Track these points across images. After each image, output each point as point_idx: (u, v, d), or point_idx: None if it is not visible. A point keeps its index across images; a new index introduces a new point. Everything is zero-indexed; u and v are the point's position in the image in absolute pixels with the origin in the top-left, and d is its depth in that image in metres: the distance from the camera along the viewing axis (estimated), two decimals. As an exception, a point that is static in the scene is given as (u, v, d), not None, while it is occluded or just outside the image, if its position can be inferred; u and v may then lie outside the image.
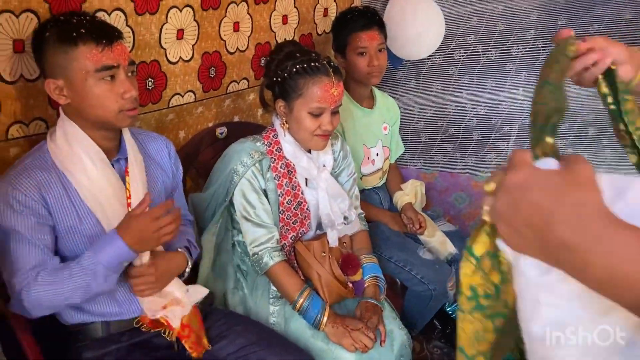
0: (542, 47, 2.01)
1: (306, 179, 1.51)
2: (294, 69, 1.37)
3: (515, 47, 2.04)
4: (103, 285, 1.09)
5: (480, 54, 2.10)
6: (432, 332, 2.06)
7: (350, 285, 1.48)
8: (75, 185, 1.12)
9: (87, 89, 1.08)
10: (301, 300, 1.38)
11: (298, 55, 1.40)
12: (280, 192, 1.46)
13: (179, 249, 1.28)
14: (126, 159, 1.21)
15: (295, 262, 1.50)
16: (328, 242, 1.50)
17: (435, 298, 1.79)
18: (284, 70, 1.39)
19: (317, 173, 1.49)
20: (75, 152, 1.12)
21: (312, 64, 1.37)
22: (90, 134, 1.14)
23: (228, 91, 1.73)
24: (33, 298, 1.05)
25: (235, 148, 1.47)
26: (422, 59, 2.16)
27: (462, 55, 2.12)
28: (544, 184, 0.47)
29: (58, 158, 1.12)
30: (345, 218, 1.54)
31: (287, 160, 1.47)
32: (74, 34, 1.05)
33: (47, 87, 1.10)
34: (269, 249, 1.42)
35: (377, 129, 2.00)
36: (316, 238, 1.52)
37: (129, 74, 1.14)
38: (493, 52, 2.08)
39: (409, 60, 2.18)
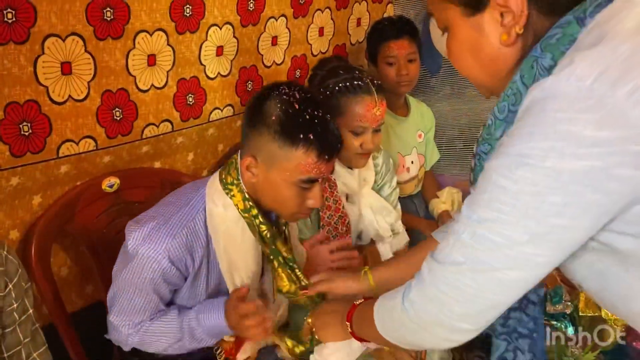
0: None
1: (347, 194, 1.51)
2: (337, 87, 1.37)
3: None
4: (199, 344, 1.11)
5: (516, 59, 2.06)
6: (472, 340, 2.03)
7: None
8: (216, 247, 1.08)
9: (280, 187, 1.04)
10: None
11: (341, 72, 1.39)
12: (321, 207, 1.45)
13: None
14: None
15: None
16: (379, 254, 1.50)
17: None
18: (326, 87, 1.38)
19: (358, 189, 1.48)
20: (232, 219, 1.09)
21: (355, 82, 1.36)
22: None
23: (210, 119, 1.59)
24: (135, 342, 1.09)
25: None
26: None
27: (497, 61, 2.09)
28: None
29: (215, 221, 1.07)
30: (393, 231, 1.53)
31: (329, 174, 1.47)
32: (301, 135, 0.99)
33: (242, 163, 1.06)
34: None
35: (411, 137, 2.00)
36: (358, 249, 1.51)
37: (324, 182, 1.16)
38: (530, 57, 2.04)
39: (445, 66, 2.17)
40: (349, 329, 0.97)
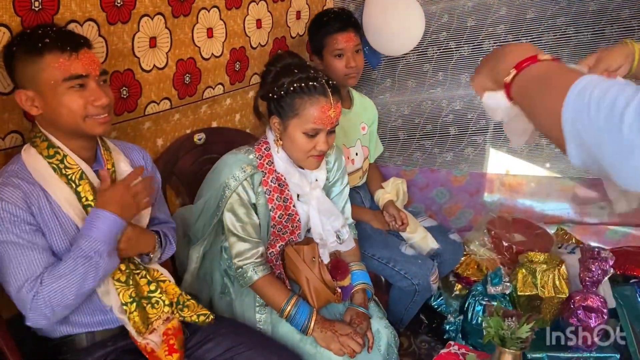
0: (512, 40, 2.05)
1: (298, 194, 1.49)
2: (291, 87, 1.32)
3: (486, 42, 2.08)
4: (109, 264, 1.11)
5: (453, 50, 2.13)
6: (419, 326, 2.08)
7: (339, 290, 1.49)
8: (55, 197, 1.12)
9: (57, 98, 1.09)
10: (288, 308, 1.38)
11: (296, 71, 1.34)
12: (272, 206, 1.44)
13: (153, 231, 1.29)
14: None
15: (283, 266, 1.51)
16: (319, 253, 1.49)
17: (419, 293, 1.82)
18: (280, 87, 1.34)
19: (309, 190, 1.46)
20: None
21: (310, 83, 1.32)
22: (65, 144, 1.14)
23: (204, 97, 1.74)
24: (44, 301, 1.05)
25: (227, 160, 1.44)
26: (396, 58, 2.19)
27: (436, 52, 2.15)
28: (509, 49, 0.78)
29: (38, 171, 1.12)
30: (338, 237, 1.52)
31: (279, 174, 1.45)
32: (39, 44, 1.06)
33: (17, 98, 1.10)
34: (253, 263, 1.41)
35: (355, 129, 2.03)
36: (307, 242, 1.52)
37: (101, 83, 1.14)
38: (465, 48, 2.11)
39: (383, 59, 2.21)
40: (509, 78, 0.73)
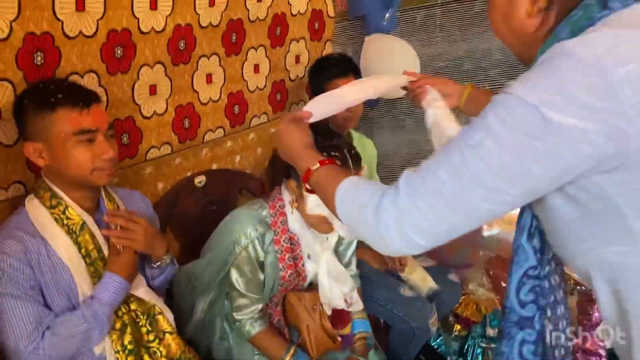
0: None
1: (309, 254, 1.49)
2: None
3: (482, 85, 2.12)
4: (106, 326, 1.14)
5: (449, 92, 2.17)
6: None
7: (339, 339, 1.48)
8: (55, 248, 1.13)
9: (65, 151, 1.11)
10: (287, 358, 1.38)
11: (319, 137, 1.21)
12: (282, 266, 1.42)
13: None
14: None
15: (283, 311, 1.51)
16: (322, 306, 1.48)
17: (418, 335, 1.80)
18: None
19: (320, 251, 1.46)
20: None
21: (332, 152, 1.23)
22: (68, 194, 1.17)
23: (205, 140, 1.78)
24: (44, 354, 1.07)
25: (240, 216, 1.42)
26: (395, 98, 2.23)
27: (432, 94, 2.19)
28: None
29: (40, 222, 1.14)
30: (345, 301, 1.50)
31: (292, 233, 1.43)
32: (52, 99, 1.10)
33: (25, 150, 1.13)
34: (251, 318, 1.41)
35: (353, 170, 2.05)
36: (309, 289, 1.51)
37: (109, 137, 1.17)
38: (461, 90, 2.15)
39: (382, 100, 2.24)
40: (306, 168, 0.95)
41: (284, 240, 1.42)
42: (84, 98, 1.12)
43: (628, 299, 0.71)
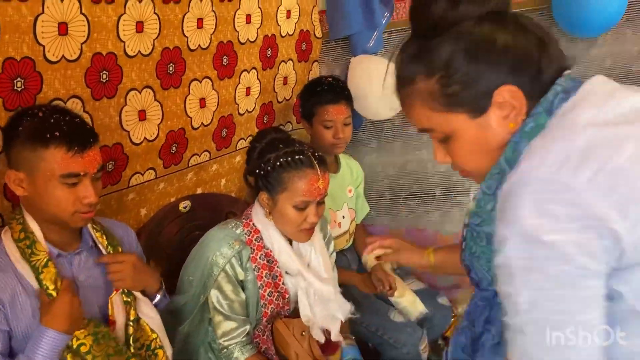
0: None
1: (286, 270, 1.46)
2: (277, 162, 1.32)
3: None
4: None
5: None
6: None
7: None
8: (29, 280, 1.08)
9: (48, 189, 1.07)
10: None
11: (281, 146, 1.34)
12: (261, 284, 1.40)
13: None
14: (92, 248, 1.20)
15: (272, 339, 1.47)
16: (311, 332, 1.45)
17: (408, 362, 1.78)
18: (266, 163, 1.34)
19: (297, 269, 1.43)
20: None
21: (297, 156, 1.32)
22: (45, 227, 1.12)
23: (190, 164, 1.73)
24: None
25: (214, 235, 1.41)
26: (382, 120, 2.22)
27: (420, 116, 2.18)
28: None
29: (13, 255, 1.09)
30: (325, 332, 1.48)
31: (267, 250, 1.42)
32: (47, 135, 1.03)
33: (7, 176, 1.08)
34: (240, 343, 1.37)
35: (342, 193, 2.02)
36: (297, 315, 1.48)
37: (95, 180, 1.12)
38: (448, 112, 2.15)
39: (369, 121, 2.23)
40: None
41: (260, 257, 1.41)
42: (80, 141, 1.07)
43: None
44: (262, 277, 1.41)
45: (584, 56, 1.91)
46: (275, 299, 1.44)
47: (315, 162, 1.33)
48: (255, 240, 1.41)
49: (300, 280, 1.43)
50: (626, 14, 1.78)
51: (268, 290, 1.42)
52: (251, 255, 1.39)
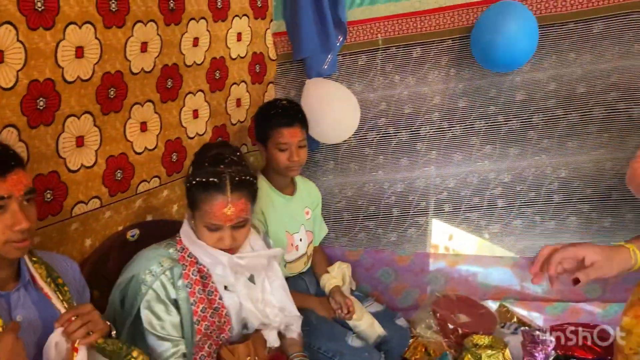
0: (447, 127, 2.13)
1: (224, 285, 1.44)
2: (194, 182, 1.35)
3: (423, 128, 2.15)
4: None
5: (392, 135, 2.18)
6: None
7: None
8: None
9: None
10: None
11: (206, 164, 1.36)
12: (194, 300, 1.38)
13: None
14: (30, 285, 1.12)
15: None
16: (265, 342, 1.44)
17: (366, 388, 1.75)
18: (187, 179, 1.37)
19: (234, 281, 1.42)
20: None
21: (211, 179, 1.32)
22: None
23: (138, 191, 1.67)
24: None
25: (145, 255, 1.40)
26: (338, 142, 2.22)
27: (375, 137, 2.20)
28: None
29: None
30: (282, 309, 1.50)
31: (201, 265, 1.41)
32: None
33: None
34: None
35: (299, 215, 2.00)
36: (243, 339, 1.44)
37: (25, 202, 1.06)
38: (403, 133, 2.17)
39: (325, 143, 2.23)
40: None
41: (192, 273, 1.40)
42: (0, 165, 1.02)
43: None
44: (194, 293, 1.38)
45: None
46: (210, 316, 1.40)
47: (228, 188, 1.32)
48: (188, 256, 1.41)
49: (239, 287, 1.43)
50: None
51: (201, 307, 1.39)
52: (183, 272, 1.38)
